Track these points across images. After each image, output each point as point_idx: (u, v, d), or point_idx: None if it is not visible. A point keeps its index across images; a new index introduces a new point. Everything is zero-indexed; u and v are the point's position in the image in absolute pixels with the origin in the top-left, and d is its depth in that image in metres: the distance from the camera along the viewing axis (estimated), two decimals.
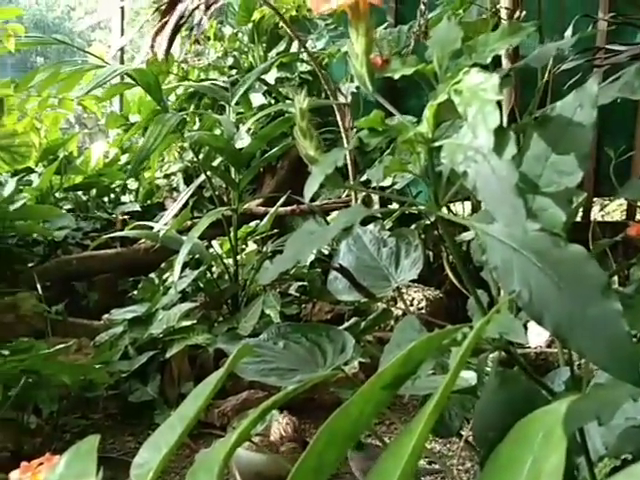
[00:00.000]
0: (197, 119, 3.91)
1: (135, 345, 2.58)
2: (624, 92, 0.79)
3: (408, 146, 0.85)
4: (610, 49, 2.86)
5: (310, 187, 0.82)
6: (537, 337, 2.60)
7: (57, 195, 3.73)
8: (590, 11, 3.63)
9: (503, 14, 2.96)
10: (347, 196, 3.63)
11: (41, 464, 0.76)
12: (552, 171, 0.80)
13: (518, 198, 0.69)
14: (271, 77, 3.98)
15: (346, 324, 2.08)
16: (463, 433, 1.41)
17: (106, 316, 2.82)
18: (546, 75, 2.88)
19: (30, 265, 3.20)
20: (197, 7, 2.83)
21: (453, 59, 0.83)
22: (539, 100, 2.76)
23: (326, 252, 3.00)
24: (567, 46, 0.95)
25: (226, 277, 3.01)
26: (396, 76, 0.84)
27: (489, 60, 0.80)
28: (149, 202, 4.06)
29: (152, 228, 3.05)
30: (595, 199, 4.00)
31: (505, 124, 2.14)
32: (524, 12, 2.93)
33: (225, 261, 3.05)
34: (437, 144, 0.81)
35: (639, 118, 3.77)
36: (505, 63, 2.88)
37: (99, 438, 0.66)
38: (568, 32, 3.00)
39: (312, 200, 3.30)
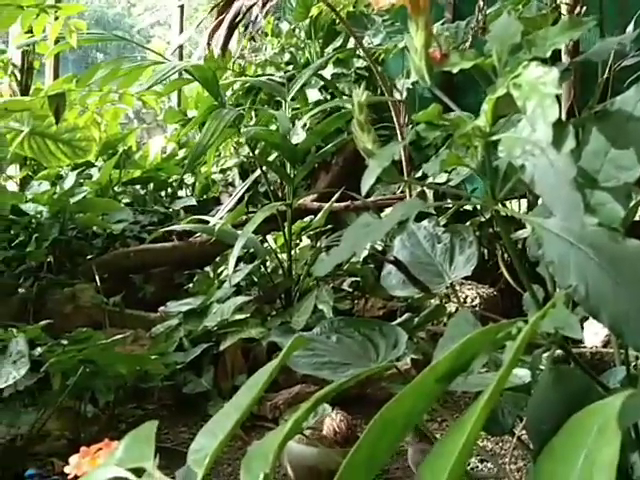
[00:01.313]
0: (253, 114, 3.95)
1: (190, 337, 2.61)
2: None
3: (465, 140, 0.85)
4: None
5: (367, 180, 0.83)
6: (594, 337, 2.56)
7: (116, 189, 3.80)
8: None
9: (563, 10, 2.93)
10: (401, 192, 3.62)
11: (100, 449, 0.77)
12: (611, 166, 0.79)
13: (576, 192, 0.69)
14: (327, 73, 3.99)
15: (399, 320, 2.08)
16: (516, 431, 1.40)
17: (162, 308, 2.87)
18: (607, 71, 2.84)
19: (89, 257, 3.27)
20: (254, 4, 2.85)
21: (512, 53, 0.82)
22: (599, 96, 2.73)
23: (379, 248, 3.00)
24: (628, 41, 0.93)
25: (280, 272, 3.03)
26: (455, 70, 0.84)
27: (549, 54, 0.79)
28: (205, 196, 4.11)
29: (208, 222, 3.08)
30: None
31: (564, 119, 2.12)
32: (584, 7, 2.89)
33: (279, 256, 3.07)
34: (495, 138, 0.81)
35: None
36: (565, 58, 2.84)
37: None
38: (629, 28, 2.96)
39: (367, 196, 3.30)
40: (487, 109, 0.80)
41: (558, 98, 0.73)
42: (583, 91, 2.86)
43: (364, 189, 0.81)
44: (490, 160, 0.85)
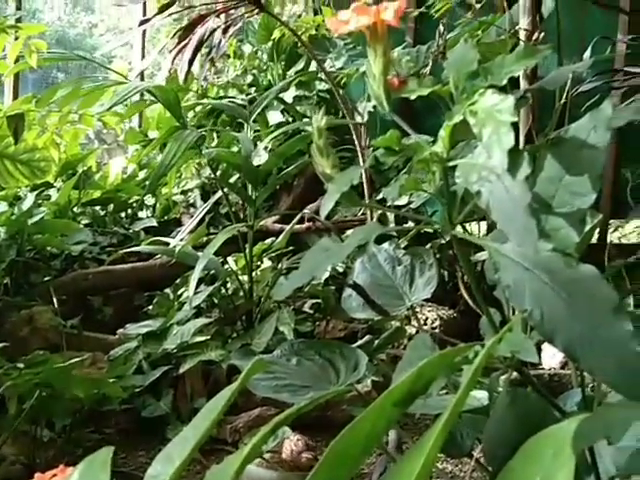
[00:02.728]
0: (215, 136, 3.94)
1: (149, 360, 2.59)
2: (639, 115, 0.80)
3: (423, 165, 0.86)
4: (628, 71, 2.87)
5: (326, 205, 0.83)
6: (551, 359, 2.59)
7: (75, 210, 3.77)
8: (610, 33, 3.64)
9: (522, 35, 2.97)
10: (363, 214, 3.64)
11: (54, 475, 0.76)
12: (565, 192, 0.81)
13: (531, 218, 0.70)
14: (289, 95, 4.01)
15: (359, 342, 2.08)
16: (474, 453, 1.40)
17: (121, 331, 2.84)
18: (564, 97, 2.89)
19: (47, 279, 3.22)
20: (218, 27, 2.86)
21: (469, 80, 0.84)
22: (557, 121, 2.78)
23: (341, 270, 3.01)
24: (583, 69, 0.96)
25: (241, 293, 3.02)
26: (412, 97, 0.85)
27: (505, 82, 0.81)
28: (166, 218, 4.09)
29: (168, 244, 3.07)
30: (612, 221, 3.99)
31: (522, 144, 2.15)
32: (542, 33, 2.94)
33: (240, 277, 3.06)
34: (452, 164, 0.82)
35: None
36: (523, 83, 2.89)
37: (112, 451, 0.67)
38: (587, 54, 3.02)
39: (328, 218, 3.31)
40: (444, 135, 0.81)
41: (515, 125, 0.74)
42: (542, 115, 2.91)
43: (323, 214, 0.81)
44: (448, 185, 0.86)
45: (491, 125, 0.75)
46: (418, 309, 2.86)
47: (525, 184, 0.72)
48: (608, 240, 3.67)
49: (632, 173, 3.71)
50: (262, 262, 3.37)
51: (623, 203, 3.73)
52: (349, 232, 3.35)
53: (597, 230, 3.86)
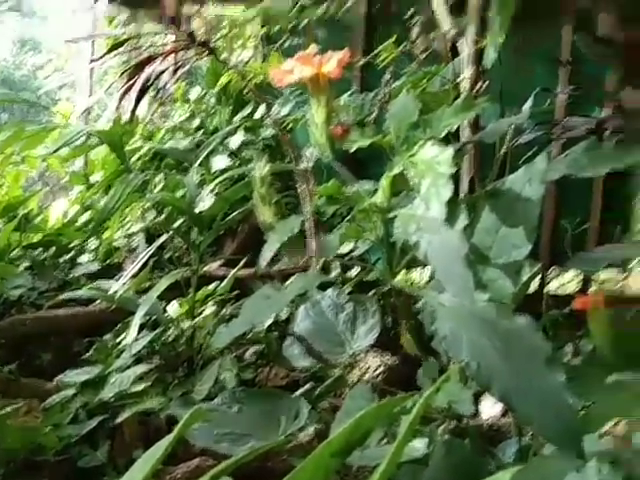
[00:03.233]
0: (160, 179, 3.92)
1: (86, 408, 2.52)
2: (572, 169, 0.82)
3: (364, 215, 0.87)
4: (568, 123, 2.95)
5: (265, 254, 0.84)
6: (491, 407, 2.60)
7: (15, 253, 3.69)
8: (550, 83, 3.74)
9: (465, 85, 3.04)
10: (308, 259, 3.64)
11: None
12: (502, 243, 0.82)
13: (467, 269, 0.70)
14: (236, 140, 4.01)
15: (301, 390, 2.07)
16: None
17: (58, 378, 2.77)
18: (505, 147, 2.95)
19: None
20: (165, 70, 2.86)
21: (410, 132, 0.85)
22: (498, 171, 2.83)
23: (284, 316, 2.99)
24: (521, 121, 0.98)
25: (183, 340, 2.98)
26: (354, 147, 0.86)
27: (444, 134, 0.82)
28: (108, 262, 4.03)
29: (109, 289, 3.02)
30: (551, 270, 4.05)
31: (465, 193, 2.18)
32: (485, 83, 3.01)
33: (182, 323, 3.02)
34: (392, 214, 0.83)
35: (595, 190, 3.86)
36: (465, 132, 2.94)
37: None
38: (527, 105, 3.09)
39: (272, 263, 3.30)
40: (384, 186, 0.82)
41: (456, 174, 0.75)
42: (484, 164, 2.96)
43: (262, 264, 0.81)
44: (388, 235, 0.87)
45: (430, 177, 0.76)
46: (361, 356, 2.86)
47: (462, 235, 0.73)
48: (546, 289, 3.72)
49: (571, 223, 3.79)
50: (205, 307, 3.33)
51: (562, 253, 3.80)
52: (295, 277, 3.35)
53: (535, 279, 3.92)
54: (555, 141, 3.14)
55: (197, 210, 2.96)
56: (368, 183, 3.11)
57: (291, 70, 0.81)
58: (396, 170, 0.80)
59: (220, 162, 3.98)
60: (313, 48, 0.84)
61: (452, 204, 0.73)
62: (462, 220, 0.73)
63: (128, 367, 2.63)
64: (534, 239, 0.79)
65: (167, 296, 2.99)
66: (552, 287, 4.14)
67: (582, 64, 3.52)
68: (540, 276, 3.95)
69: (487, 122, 3.29)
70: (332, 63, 0.80)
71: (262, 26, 4.07)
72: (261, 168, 0.85)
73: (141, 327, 2.66)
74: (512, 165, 2.80)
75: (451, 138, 0.86)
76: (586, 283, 3.98)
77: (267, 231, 0.87)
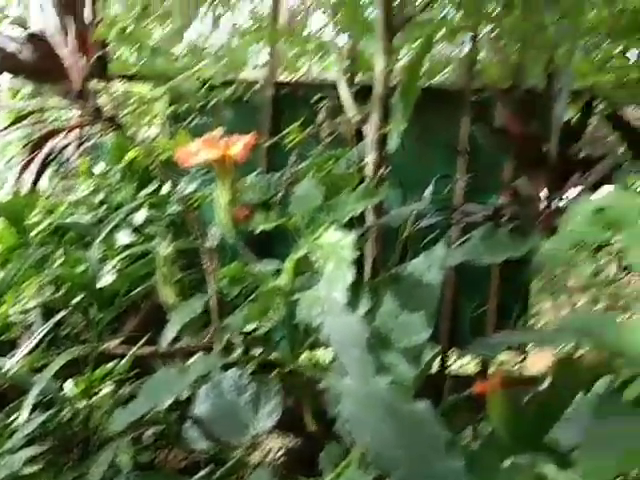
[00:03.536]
0: (61, 254, 3.83)
1: None
2: (470, 256, 0.84)
3: (268, 296, 0.87)
4: (466, 209, 3.05)
5: (167, 334, 0.82)
6: None
7: None
8: (450, 171, 3.88)
9: (369, 169, 3.11)
10: (211, 338, 3.59)
11: None
12: (403, 328, 0.83)
13: (367, 354, 0.71)
14: (140, 216, 3.97)
15: (200, 473, 2.02)
16: None
17: None
18: (407, 230, 3.02)
19: None
20: (69, 143, 2.84)
21: (314, 215, 0.86)
22: (400, 253, 2.89)
23: (186, 395, 2.93)
24: (422, 207, 1.01)
25: (79, 420, 2.87)
26: (258, 230, 0.87)
27: (347, 219, 0.84)
28: (3, 338, 3.88)
29: (2, 366, 2.90)
30: (451, 351, 4.13)
31: (369, 274, 2.21)
32: (388, 169, 3.09)
33: (79, 403, 2.92)
34: (296, 296, 0.84)
35: (493, 274, 3.98)
36: (369, 215, 3.00)
37: None
38: (428, 190, 3.19)
39: (175, 341, 3.24)
40: (289, 268, 0.83)
41: (360, 257, 0.77)
42: (387, 246, 3.02)
43: (163, 343, 0.80)
44: (291, 316, 0.87)
45: (333, 260, 0.77)
46: (263, 437, 2.82)
47: (364, 320, 0.74)
48: (447, 370, 3.78)
49: (470, 304, 3.88)
50: (103, 387, 3.24)
51: (462, 333, 3.88)
52: (197, 356, 3.30)
53: (436, 360, 3.98)
54: (455, 226, 3.24)
55: (98, 286, 2.90)
56: (273, 262, 3.11)
57: (197, 152, 0.81)
58: (300, 253, 0.80)
59: (124, 238, 3.93)
60: (219, 131, 0.85)
61: (355, 288, 0.74)
62: (364, 304, 0.74)
63: (20, 448, 2.51)
64: (434, 324, 0.80)
65: (63, 374, 2.89)
66: (453, 368, 4.20)
67: (479, 153, 3.67)
68: (441, 357, 4.02)
69: (390, 205, 3.38)
70: (238, 146, 0.81)
71: (170, 104, 4.09)
72: (164, 248, 0.85)
73: (35, 407, 2.56)
74: (414, 247, 2.88)
75: (355, 221, 0.87)
76: (485, 364, 4.06)
77: (170, 311, 0.86)
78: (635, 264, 0.75)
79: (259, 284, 0.85)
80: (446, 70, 4.50)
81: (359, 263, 0.80)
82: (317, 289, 0.79)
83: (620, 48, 3.81)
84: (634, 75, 3.72)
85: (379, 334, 0.84)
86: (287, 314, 0.86)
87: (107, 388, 3.23)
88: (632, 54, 3.92)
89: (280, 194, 3.65)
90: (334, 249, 0.78)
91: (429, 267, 0.84)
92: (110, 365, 3.22)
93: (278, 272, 0.87)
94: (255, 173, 4.00)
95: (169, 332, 0.82)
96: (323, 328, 0.76)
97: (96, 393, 3.05)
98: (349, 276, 0.74)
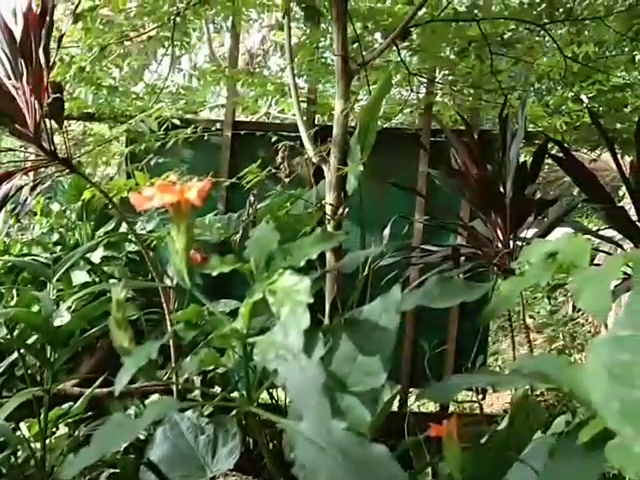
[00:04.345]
0: (15, 294, 3.78)
1: None
2: (425, 300, 0.85)
3: (223, 341, 0.87)
4: (424, 248, 3.08)
5: (122, 379, 0.81)
6: None
7: None
8: (408, 212, 3.92)
9: (327, 209, 3.13)
10: (169, 378, 3.55)
11: None
12: (359, 371, 0.84)
13: (324, 399, 0.71)
14: (97, 255, 3.94)
15: None
16: None
17: None
18: (366, 269, 3.03)
19: None
20: (25, 185, 2.81)
21: (270, 259, 0.87)
22: (361, 290, 2.90)
23: (143, 436, 2.88)
24: (377, 252, 1.02)
25: (32, 462, 2.81)
26: (214, 273, 0.87)
27: (302, 263, 0.84)
28: None
29: None
30: (412, 389, 4.13)
31: (327, 313, 2.21)
32: (347, 209, 3.12)
33: (32, 445, 2.86)
34: (251, 340, 0.83)
35: (452, 313, 4.01)
36: (329, 256, 3.02)
37: None
38: (386, 230, 3.21)
39: (131, 382, 3.19)
40: (244, 312, 0.83)
41: (321, 294, 0.77)
42: (346, 285, 3.03)
43: (118, 389, 0.79)
44: (247, 360, 0.86)
45: (289, 305, 0.77)
46: (221, 479, 2.78)
47: (320, 364, 0.74)
48: (408, 408, 3.78)
49: (429, 344, 3.90)
50: (58, 428, 3.17)
51: (422, 372, 3.89)
52: (153, 397, 3.25)
53: (397, 398, 3.98)
54: (413, 265, 3.27)
55: (53, 326, 2.86)
56: (232, 303, 3.09)
57: (151, 197, 0.81)
58: (256, 297, 0.80)
59: (80, 277, 3.89)
60: (174, 175, 0.85)
61: (310, 333, 0.74)
62: (319, 349, 0.74)
63: None
64: (390, 367, 0.81)
65: (18, 416, 2.83)
66: (415, 406, 4.21)
67: (437, 194, 3.72)
68: (401, 397, 4.02)
69: (349, 244, 3.40)
70: (193, 191, 0.81)
71: (128, 144, 4.08)
72: (118, 293, 0.84)
73: None
74: (374, 285, 2.89)
75: (317, 261, 0.88)
76: (445, 403, 4.07)
77: (123, 355, 0.85)
78: (587, 307, 0.76)
79: (214, 329, 0.85)
80: (404, 112, 4.57)
81: (320, 302, 0.80)
82: (273, 333, 0.79)
83: (572, 93, 3.90)
84: (587, 119, 3.81)
85: (336, 378, 0.84)
86: (243, 358, 0.86)
87: (62, 430, 3.17)
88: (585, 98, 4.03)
89: (238, 234, 3.65)
90: (289, 294, 0.78)
91: (385, 310, 0.85)
92: (66, 406, 3.16)
93: (234, 314, 0.87)
94: (213, 213, 4.01)
95: (123, 377, 0.81)
96: (279, 373, 0.76)
97: (52, 434, 2.99)
98: (304, 321, 0.74)
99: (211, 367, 3.41)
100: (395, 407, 3.95)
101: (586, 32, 3.73)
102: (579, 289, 0.75)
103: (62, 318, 3.10)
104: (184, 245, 0.87)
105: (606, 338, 0.53)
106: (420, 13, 3.33)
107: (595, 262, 2.63)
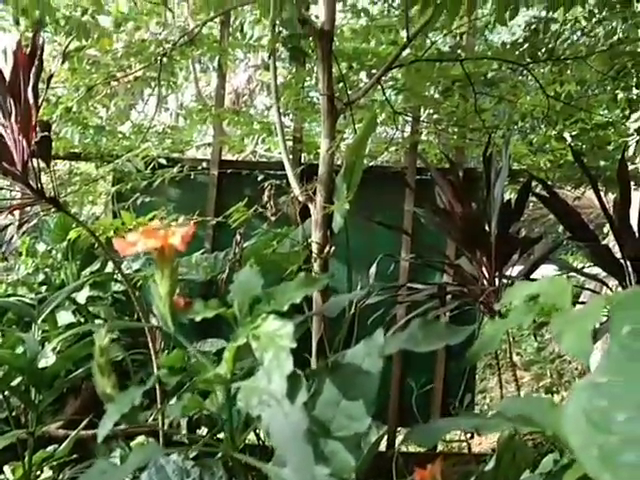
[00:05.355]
0: None
1: None
2: (409, 344, 0.85)
3: (207, 385, 0.87)
4: (411, 287, 3.08)
5: (105, 425, 0.81)
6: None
7: None
8: (394, 249, 3.93)
9: (314, 247, 3.13)
10: (154, 420, 3.52)
11: None
12: (343, 416, 0.83)
13: (307, 445, 0.71)
14: (83, 295, 3.92)
15: None
16: None
17: None
18: (353, 307, 3.03)
19: None
20: (10, 224, 2.81)
21: (253, 305, 0.87)
22: (348, 328, 2.89)
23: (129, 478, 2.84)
24: (360, 296, 1.02)
25: None
26: (198, 318, 0.87)
27: (286, 308, 0.84)
28: None
29: None
30: (400, 428, 4.11)
31: (314, 352, 2.20)
32: (333, 247, 3.12)
33: None
34: (235, 385, 0.83)
35: (438, 353, 4.00)
36: (315, 294, 3.01)
37: None
38: (372, 269, 3.22)
39: (117, 423, 3.16)
40: (228, 357, 0.82)
41: (308, 333, 0.77)
42: (334, 324, 3.02)
43: (101, 434, 0.78)
44: (230, 406, 0.86)
45: (272, 350, 0.77)
46: None
47: (303, 410, 0.73)
48: (396, 448, 3.75)
49: (417, 382, 3.89)
50: (42, 471, 3.13)
51: (410, 410, 3.87)
52: (139, 438, 3.22)
53: (385, 438, 3.96)
54: (399, 304, 3.27)
55: (37, 368, 2.84)
56: (219, 342, 3.07)
57: (135, 242, 0.81)
58: (240, 342, 0.80)
59: (66, 317, 3.87)
60: (161, 216, 0.85)
61: (293, 378, 0.74)
62: (302, 394, 0.73)
63: None
64: (373, 411, 0.80)
65: (1, 459, 2.80)
66: (401, 445, 4.18)
67: (423, 232, 3.73)
68: (389, 436, 3.99)
69: (336, 282, 3.40)
70: (177, 236, 0.81)
71: (114, 183, 4.09)
72: (101, 338, 0.84)
73: None
74: (361, 323, 2.89)
75: (303, 300, 0.88)
76: None
77: (106, 402, 0.84)
78: (569, 350, 0.77)
79: (198, 373, 0.85)
80: (390, 150, 4.60)
81: (307, 340, 0.80)
82: (256, 379, 0.79)
83: (555, 132, 3.95)
84: (570, 157, 3.84)
85: (319, 423, 0.83)
86: (227, 403, 0.86)
87: (46, 473, 3.12)
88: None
89: (226, 272, 3.65)
90: (272, 338, 0.78)
91: (368, 355, 0.85)
92: (50, 449, 3.12)
93: (219, 359, 0.87)
94: (201, 252, 4.01)
95: (107, 423, 0.80)
96: (262, 419, 0.76)
97: (36, 477, 2.95)
98: (287, 366, 0.74)
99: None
100: (383, 446, 3.92)
101: (568, 71, 3.78)
102: (560, 332, 0.75)
103: (47, 359, 3.08)
104: (168, 290, 0.87)
105: (585, 383, 0.53)
106: (404, 53, 3.37)
107: (580, 300, 2.65)
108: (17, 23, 3.71)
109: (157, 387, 3.01)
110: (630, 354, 0.53)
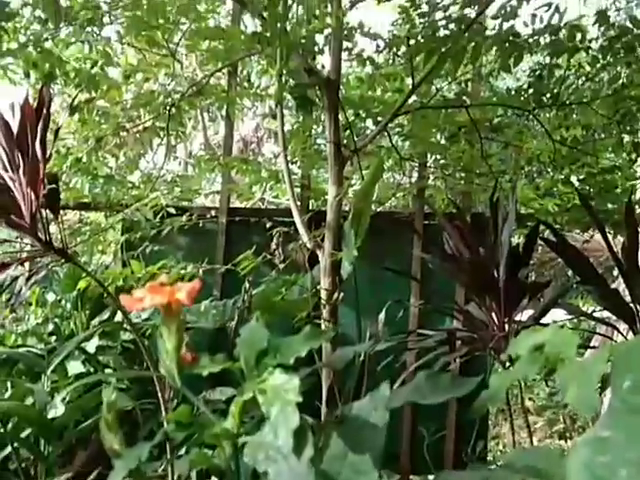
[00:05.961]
0: (9, 386, 3.74)
1: None
2: (415, 397, 0.85)
3: (214, 440, 0.87)
4: (421, 333, 3.07)
5: None
6: None
7: None
8: (403, 295, 3.92)
9: (323, 294, 3.13)
10: (164, 470, 3.50)
11: None
12: (350, 470, 0.83)
13: None
14: (92, 345, 3.92)
15: None
16: None
17: None
18: (362, 355, 3.01)
19: None
20: (20, 275, 2.82)
21: (259, 359, 0.87)
22: (358, 375, 2.88)
23: None
24: (365, 350, 1.02)
25: None
26: (204, 373, 0.87)
27: (292, 361, 0.84)
28: None
29: None
30: (412, 476, 4.06)
31: (324, 401, 2.19)
32: (342, 294, 3.12)
33: None
34: (242, 440, 0.83)
35: (450, 401, 3.96)
36: (325, 344, 3.00)
37: None
38: (381, 315, 3.21)
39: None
40: (234, 412, 0.83)
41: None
42: (344, 370, 3.01)
43: None
44: (238, 460, 0.86)
45: (278, 404, 0.77)
46: None
47: (310, 464, 0.73)
48: None
49: (428, 429, 3.85)
50: None
51: (422, 458, 3.83)
52: None
53: None
54: (409, 350, 3.26)
55: (47, 419, 2.83)
56: (228, 391, 3.05)
57: (142, 298, 0.82)
58: (246, 396, 0.81)
59: (75, 367, 3.86)
60: (164, 277, 0.86)
61: (300, 433, 0.74)
62: (309, 450, 0.73)
63: None
64: (380, 466, 0.80)
65: None
66: None
67: (432, 279, 3.72)
68: None
69: (345, 328, 3.39)
70: (183, 292, 0.82)
71: (123, 233, 4.11)
72: (109, 395, 0.84)
73: None
74: (371, 369, 2.87)
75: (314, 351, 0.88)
76: None
77: (114, 458, 0.84)
78: (574, 404, 0.76)
79: (205, 429, 0.85)
80: (397, 196, 4.62)
81: (317, 386, 0.80)
82: (263, 434, 0.79)
83: (562, 176, 3.96)
84: (577, 201, 3.85)
85: (327, 477, 0.83)
86: (234, 458, 0.86)
87: None
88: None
89: (235, 319, 3.65)
90: (278, 393, 0.78)
91: (375, 408, 0.85)
92: None
93: (228, 407, 0.87)
94: (210, 299, 4.01)
95: (115, 478, 0.80)
96: (269, 474, 0.75)
97: None
98: (294, 420, 0.74)
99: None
100: None
101: (573, 116, 3.80)
102: (565, 386, 0.75)
103: (56, 410, 3.07)
104: (174, 345, 0.87)
105: (588, 439, 0.53)
106: (410, 100, 3.41)
107: (592, 345, 2.63)
108: (27, 76, 3.77)
109: (167, 439, 3.00)
110: (630, 408, 0.53)
